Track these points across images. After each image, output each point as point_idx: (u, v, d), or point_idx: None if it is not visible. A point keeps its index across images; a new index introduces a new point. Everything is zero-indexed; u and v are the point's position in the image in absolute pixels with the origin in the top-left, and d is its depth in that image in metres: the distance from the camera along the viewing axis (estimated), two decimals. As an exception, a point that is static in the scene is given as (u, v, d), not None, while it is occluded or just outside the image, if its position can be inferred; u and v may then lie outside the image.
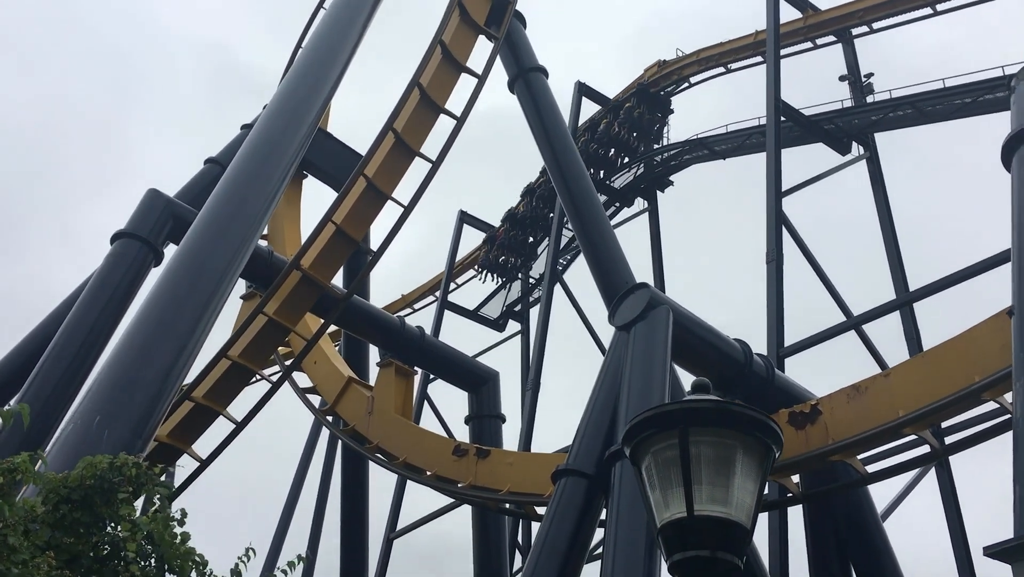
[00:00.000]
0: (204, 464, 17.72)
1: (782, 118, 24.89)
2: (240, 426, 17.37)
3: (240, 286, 19.96)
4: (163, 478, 8.65)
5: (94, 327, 15.16)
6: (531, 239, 33.34)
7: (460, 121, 18.20)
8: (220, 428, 17.43)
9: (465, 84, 18.83)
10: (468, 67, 18.78)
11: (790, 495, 14.23)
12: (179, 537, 7.92)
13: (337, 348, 23.28)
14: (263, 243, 21.23)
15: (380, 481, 24.43)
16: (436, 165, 17.82)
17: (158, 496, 7.91)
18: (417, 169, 17.93)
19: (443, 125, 18.40)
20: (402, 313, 35.03)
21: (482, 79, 18.75)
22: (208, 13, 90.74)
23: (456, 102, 18.40)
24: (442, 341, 22.34)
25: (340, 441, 21.75)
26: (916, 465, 13.44)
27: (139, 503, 8.44)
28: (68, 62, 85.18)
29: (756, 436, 4.08)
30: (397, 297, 35.43)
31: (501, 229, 33.41)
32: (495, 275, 33.50)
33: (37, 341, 17.02)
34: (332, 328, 24.15)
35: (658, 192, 31.87)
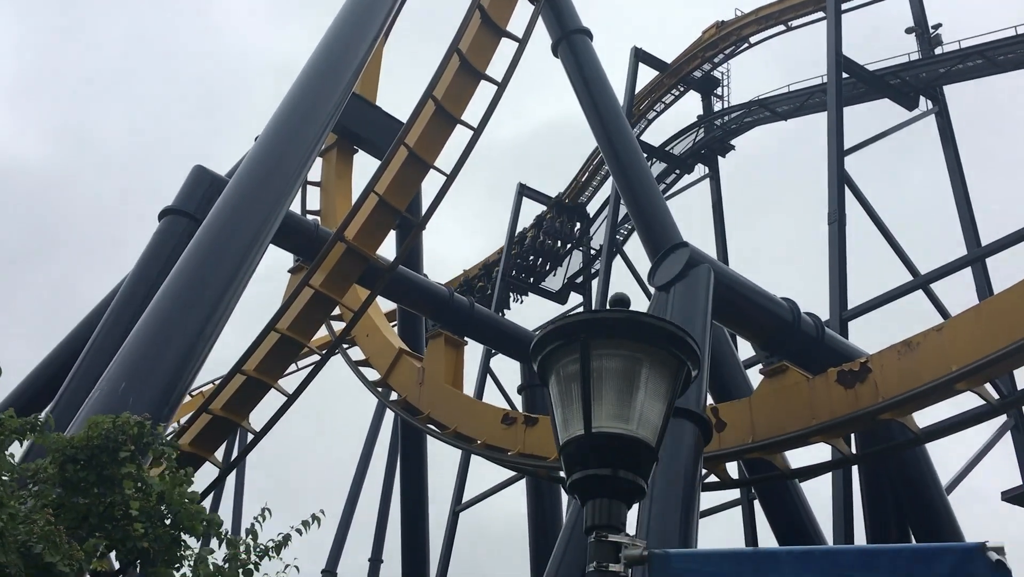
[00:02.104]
0: (258, 436, 17.99)
1: (845, 74, 24.05)
2: (292, 398, 17.54)
3: (288, 260, 20.16)
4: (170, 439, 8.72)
5: (143, 302, 15.43)
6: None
7: (501, 87, 17.92)
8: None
9: (506, 49, 18.56)
10: (508, 31, 18.47)
11: (842, 457, 13.72)
12: (187, 498, 7.97)
13: (393, 326, 23.39)
14: (311, 217, 21.44)
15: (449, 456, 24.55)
16: (478, 132, 17.61)
17: (165, 455, 7.96)
18: (460, 137, 17.79)
19: (485, 91, 18.20)
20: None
21: (523, 43, 18.40)
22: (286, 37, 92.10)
23: (498, 68, 18.18)
24: (490, 311, 22.20)
25: (399, 415, 21.88)
26: (973, 423, 12.77)
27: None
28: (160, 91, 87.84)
29: (667, 350, 3.78)
30: (459, 272, 35.43)
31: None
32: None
33: (93, 322, 17.45)
34: (390, 305, 24.35)
35: (719, 157, 31.10)
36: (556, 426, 3.79)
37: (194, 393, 29.61)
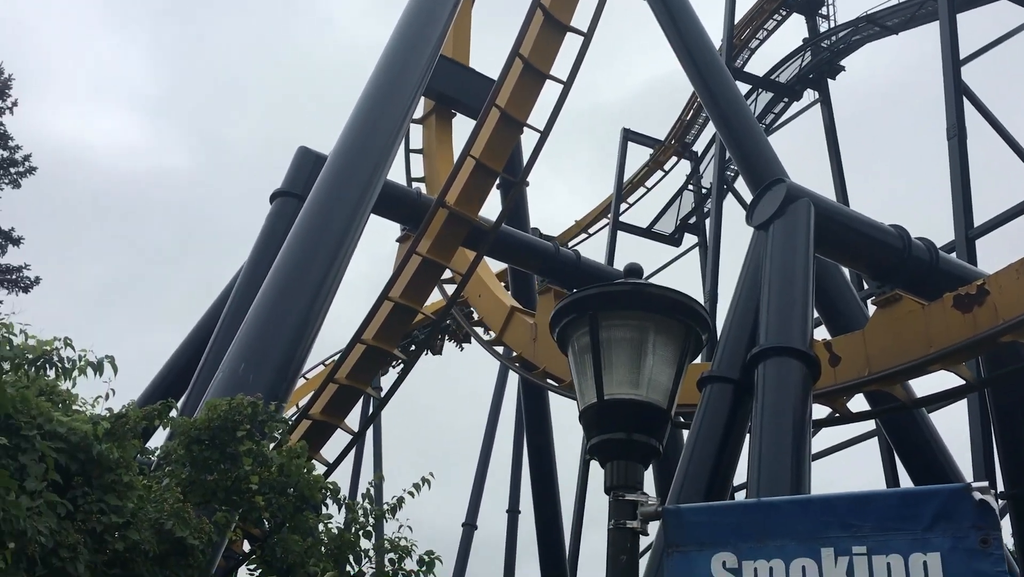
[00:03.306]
0: (383, 400, 18.77)
1: (957, -25, 22.64)
2: (410, 363, 18.19)
3: (396, 230, 20.70)
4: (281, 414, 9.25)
5: (260, 284, 16.20)
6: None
7: (588, 36, 17.76)
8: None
9: (590, -1, 18.29)
10: (590, -21, 18.21)
11: (966, 384, 13.23)
12: (305, 468, 8.49)
13: (505, 285, 23.73)
14: (416, 185, 21.90)
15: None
16: (568, 86, 17.54)
17: (278, 431, 8.49)
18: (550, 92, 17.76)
19: (573, 43, 18.08)
20: (578, 239, 35.17)
21: (606, -14, 18.12)
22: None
23: (583, 20, 18.00)
24: (598, 262, 22.23)
25: (519, 375, 22.27)
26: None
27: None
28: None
29: (673, 317, 3.85)
30: (571, 224, 35.46)
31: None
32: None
33: (220, 307, 18.41)
34: (500, 265, 24.70)
35: (829, 80, 29.85)
36: (576, 395, 3.95)
37: (327, 362, 30.95)
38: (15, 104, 28.64)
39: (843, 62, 29.73)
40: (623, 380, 3.79)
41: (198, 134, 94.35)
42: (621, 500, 3.74)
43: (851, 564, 3.42)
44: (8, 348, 6.16)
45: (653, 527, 3.78)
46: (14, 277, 27.22)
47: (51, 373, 6.61)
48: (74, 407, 7.24)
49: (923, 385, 13.99)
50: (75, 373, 6.61)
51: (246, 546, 10.80)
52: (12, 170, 27.88)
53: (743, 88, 26.45)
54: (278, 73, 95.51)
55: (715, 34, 23.12)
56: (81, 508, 6.56)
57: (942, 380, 13.41)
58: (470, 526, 30.96)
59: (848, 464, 27.51)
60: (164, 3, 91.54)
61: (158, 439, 10.57)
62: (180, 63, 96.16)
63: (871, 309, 15.25)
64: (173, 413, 8.38)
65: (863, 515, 3.50)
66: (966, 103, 20.86)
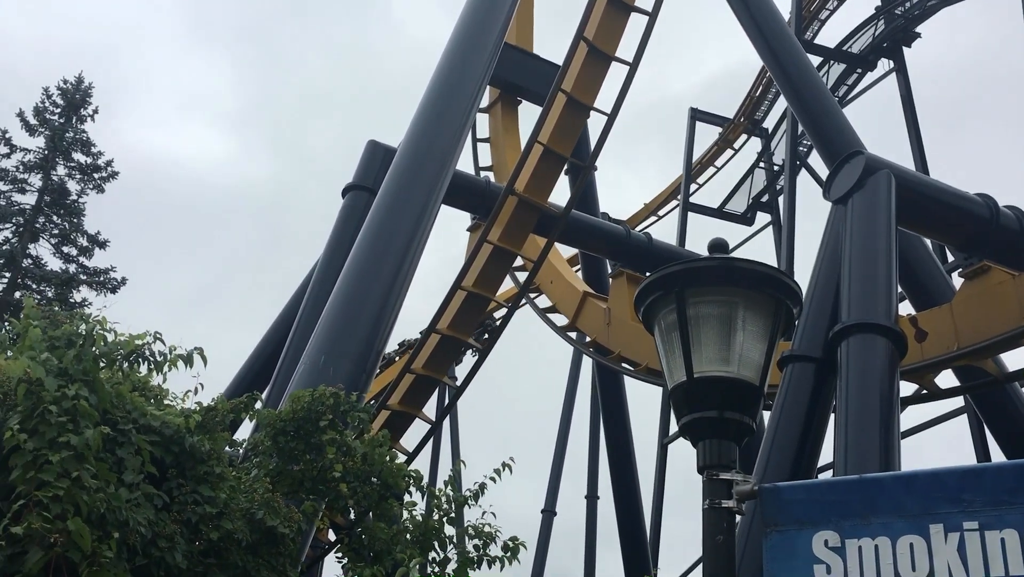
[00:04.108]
0: (460, 389, 18.89)
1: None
2: (485, 351, 18.24)
3: (466, 219, 20.76)
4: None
5: (336, 278, 16.42)
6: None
7: (653, 15, 17.55)
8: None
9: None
10: (652, -42, 17.95)
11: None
12: (388, 457, 8.58)
13: (577, 271, 23.65)
14: (484, 174, 21.94)
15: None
16: (634, 67, 17.35)
17: (360, 421, 8.59)
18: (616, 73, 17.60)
19: (637, 24, 17.88)
20: (647, 222, 34.86)
21: (670, -35, 17.84)
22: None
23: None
24: (670, 243, 21.98)
25: (594, 360, 22.21)
26: None
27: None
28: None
29: (762, 291, 3.73)
30: (640, 207, 35.15)
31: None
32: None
33: (298, 302, 18.71)
34: (571, 252, 24.62)
35: (904, 48, 28.93)
36: (664, 373, 3.87)
37: (399, 355, 31.30)
38: (96, 112, 29.58)
39: (919, 28, 28.79)
40: (713, 357, 3.73)
41: (279, 144, 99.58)
42: (715, 479, 3.67)
43: (962, 540, 3.29)
44: (103, 344, 6.35)
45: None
46: (102, 279, 28.12)
47: (143, 368, 6.80)
48: (165, 401, 7.43)
49: (1015, 359, 13.53)
50: (166, 367, 6.78)
51: (331, 536, 11.01)
52: (96, 176, 28.79)
53: (814, 61, 25.81)
54: (354, 80, 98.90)
55: (784, 6, 22.63)
56: (176, 499, 6.73)
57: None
58: (549, 512, 31.03)
59: (936, 443, 26.81)
60: (244, 24, 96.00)
61: (244, 432, 10.81)
62: (260, 78, 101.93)
63: (957, 282, 14.79)
64: (258, 406, 8.54)
65: (974, 489, 3.35)
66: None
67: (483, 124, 23.26)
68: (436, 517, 8.93)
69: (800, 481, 4.24)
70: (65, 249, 28.11)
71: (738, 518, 3.79)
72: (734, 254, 4.01)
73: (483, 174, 21.76)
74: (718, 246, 3.94)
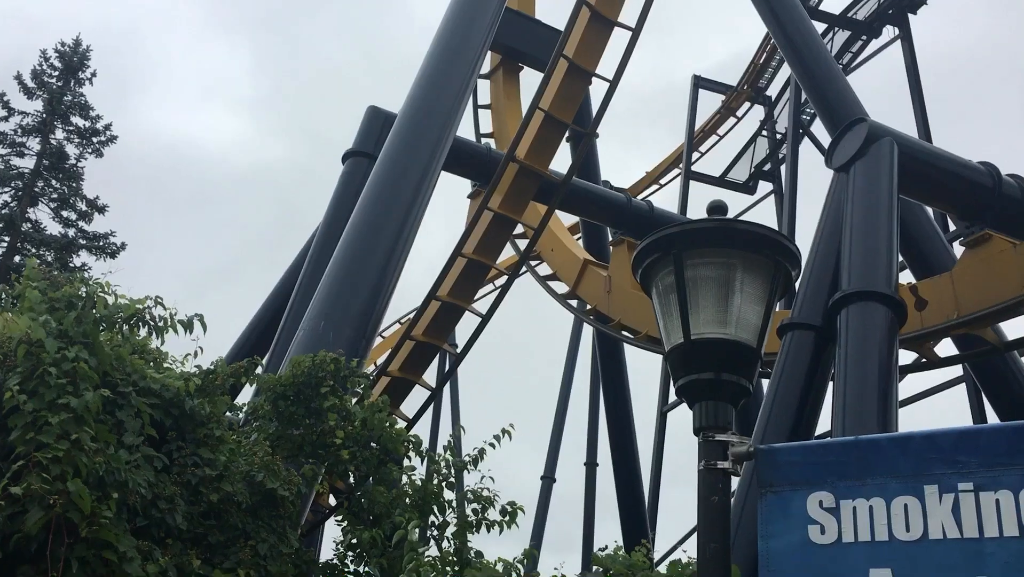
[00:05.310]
0: (460, 356, 18.92)
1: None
2: (486, 318, 18.24)
3: (467, 186, 20.69)
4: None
5: (336, 244, 16.40)
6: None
7: (656, -20, 17.37)
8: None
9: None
10: (656, -81, 17.71)
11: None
12: (387, 422, 8.61)
13: (578, 239, 23.60)
14: (485, 141, 21.83)
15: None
16: (636, 32, 17.20)
17: (360, 386, 8.61)
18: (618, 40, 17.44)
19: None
20: (649, 190, 34.73)
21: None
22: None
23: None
24: (671, 212, 21.92)
25: (594, 328, 22.24)
26: None
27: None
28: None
29: (761, 253, 3.71)
30: (642, 176, 35.01)
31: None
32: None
33: (298, 268, 18.71)
34: (572, 220, 24.56)
35: (909, 15, 28.64)
36: (661, 336, 3.87)
37: (403, 321, 31.34)
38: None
39: (925, -6, 28.48)
40: (710, 319, 3.72)
41: (295, 128, 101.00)
42: (711, 440, 3.67)
43: (956, 501, 3.30)
44: (104, 308, 6.35)
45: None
46: (101, 244, 28.09)
47: (143, 331, 6.81)
48: (164, 364, 7.45)
49: (1015, 328, 13.54)
50: (166, 331, 6.79)
51: (331, 501, 11.07)
52: (95, 140, 28.66)
53: (819, 27, 25.57)
54: (368, 64, 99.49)
55: (788, -28, 22.33)
56: (176, 461, 6.77)
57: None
58: (549, 479, 31.22)
59: (934, 411, 26.90)
60: (263, 11, 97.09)
61: (244, 396, 10.85)
62: (277, 64, 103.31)
63: (958, 251, 14.76)
64: (259, 370, 8.56)
65: (969, 451, 3.35)
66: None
67: (484, 91, 23.12)
68: (435, 482, 8.98)
69: (795, 442, 4.24)
70: (64, 213, 28.06)
71: (734, 481, 3.81)
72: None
73: (484, 141, 21.64)
74: (717, 208, 3.91)
